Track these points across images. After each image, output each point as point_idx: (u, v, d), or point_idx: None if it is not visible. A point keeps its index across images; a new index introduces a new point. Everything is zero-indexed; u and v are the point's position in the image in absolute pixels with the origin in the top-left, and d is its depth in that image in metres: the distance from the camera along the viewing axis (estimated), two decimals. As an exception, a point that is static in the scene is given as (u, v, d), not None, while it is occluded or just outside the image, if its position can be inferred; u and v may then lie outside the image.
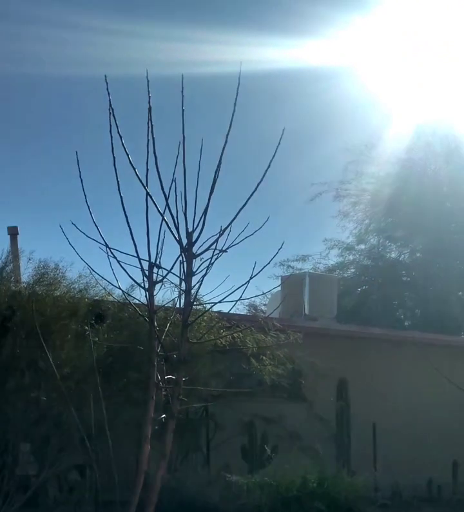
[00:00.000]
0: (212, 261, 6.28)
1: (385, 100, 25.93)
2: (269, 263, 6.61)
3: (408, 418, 15.22)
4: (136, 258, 6.14)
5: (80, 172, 6.02)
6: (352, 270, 27.20)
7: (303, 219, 29.53)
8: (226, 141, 5.98)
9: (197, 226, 6.13)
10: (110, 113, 5.84)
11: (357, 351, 15.27)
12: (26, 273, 10.76)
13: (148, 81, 5.80)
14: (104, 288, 9.68)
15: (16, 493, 9.91)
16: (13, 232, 12.51)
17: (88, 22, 18.24)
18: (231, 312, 10.58)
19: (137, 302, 7.38)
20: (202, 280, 6.37)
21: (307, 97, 23.19)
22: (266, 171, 6.08)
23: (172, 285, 6.66)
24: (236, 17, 21.45)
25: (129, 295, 7.35)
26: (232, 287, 6.31)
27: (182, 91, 5.86)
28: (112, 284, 6.86)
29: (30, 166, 24.57)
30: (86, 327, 9.78)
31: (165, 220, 6.06)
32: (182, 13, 21.29)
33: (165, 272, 6.28)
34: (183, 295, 6.34)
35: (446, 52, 24.39)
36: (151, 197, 6.00)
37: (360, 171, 26.22)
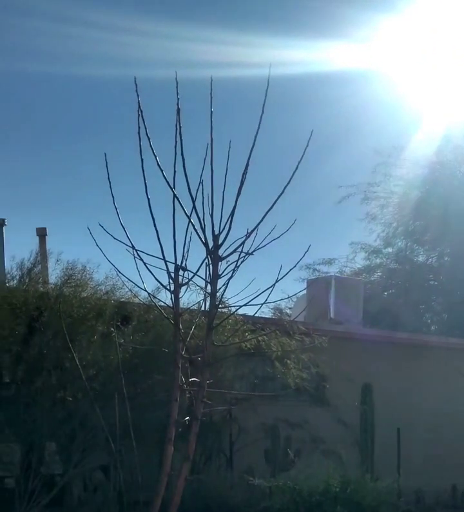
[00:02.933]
0: (238, 264, 6.26)
1: (414, 102, 25.84)
2: (294, 266, 6.56)
3: (432, 423, 15.11)
4: (163, 261, 6.14)
5: (108, 174, 6.03)
6: (379, 274, 27.04)
7: (330, 222, 29.48)
8: (254, 143, 5.95)
9: (223, 228, 6.11)
10: (139, 114, 5.84)
11: (382, 356, 15.18)
12: (54, 274, 10.86)
13: (177, 83, 5.78)
14: (130, 290, 9.77)
15: (41, 492, 9.99)
16: (41, 233, 12.64)
17: (114, 22, 18.35)
18: (256, 315, 10.56)
19: (163, 304, 7.39)
20: (228, 283, 6.35)
21: (335, 99, 23.15)
22: (294, 173, 6.04)
23: (197, 287, 6.64)
24: (264, 20, 21.50)
25: (154, 297, 7.36)
26: (257, 290, 6.29)
27: (211, 93, 5.84)
28: (138, 286, 6.88)
29: (60, 168, 24.80)
30: (112, 329, 9.82)
31: (191, 223, 6.05)
32: (209, 15, 21.35)
33: (191, 274, 6.27)
34: (209, 298, 6.33)
35: (477, 53, 24.24)
36: (178, 199, 6.00)
37: (389, 174, 26.09)
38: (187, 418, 6.50)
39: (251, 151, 5.96)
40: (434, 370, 15.68)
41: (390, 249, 27.07)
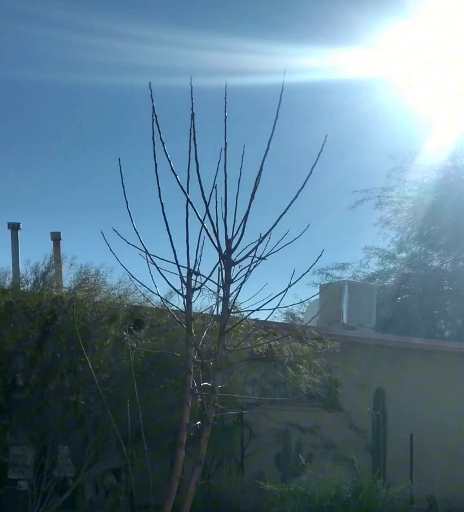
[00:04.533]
0: (250, 268, 6.26)
1: (427, 107, 25.80)
2: (307, 271, 6.55)
3: (446, 429, 15.06)
4: (176, 265, 6.15)
5: (122, 178, 6.06)
6: (393, 279, 26.97)
7: (344, 227, 29.47)
8: (268, 146, 5.95)
9: (236, 232, 6.13)
10: (153, 119, 5.87)
11: (395, 361, 15.15)
12: (68, 278, 10.93)
13: (192, 88, 5.80)
14: (142, 294, 9.75)
15: (53, 495, 10.03)
16: (56, 237, 12.71)
17: (130, 31, 18.48)
18: (268, 320, 10.59)
19: (175, 308, 7.40)
20: (240, 288, 6.35)
21: (348, 106, 23.16)
22: (308, 177, 6.03)
23: (210, 292, 6.65)
24: (277, 27, 21.53)
25: (167, 301, 7.36)
26: (270, 295, 6.28)
27: (225, 98, 5.86)
28: (151, 291, 6.88)
29: (73, 173, 24.95)
30: (125, 333, 9.86)
31: (205, 227, 6.06)
32: (222, 23, 21.43)
33: (203, 279, 6.28)
34: (221, 302, 6.34)
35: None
36: (191, 204, 6.01)
37: (403, 179, 26.05)
38: (199, 422, 6.51)
39: (265, 153, 5.97)
40: (448, 376, 15.62)
41: (404, 254, 27.02)
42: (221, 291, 6.27)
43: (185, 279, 6.24)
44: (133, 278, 6.91)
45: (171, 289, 6.48)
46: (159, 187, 5.99)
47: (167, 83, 14.47)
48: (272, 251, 6.17)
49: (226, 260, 6.16)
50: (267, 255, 6.18)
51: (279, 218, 6.07)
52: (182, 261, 6.16)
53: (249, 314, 6.83)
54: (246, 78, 18.46)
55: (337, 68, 21.05)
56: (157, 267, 6.17)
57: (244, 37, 19.80)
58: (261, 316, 7.75)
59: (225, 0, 22.27)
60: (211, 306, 7.52)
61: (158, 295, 6.74)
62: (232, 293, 6.31)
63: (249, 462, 12.64)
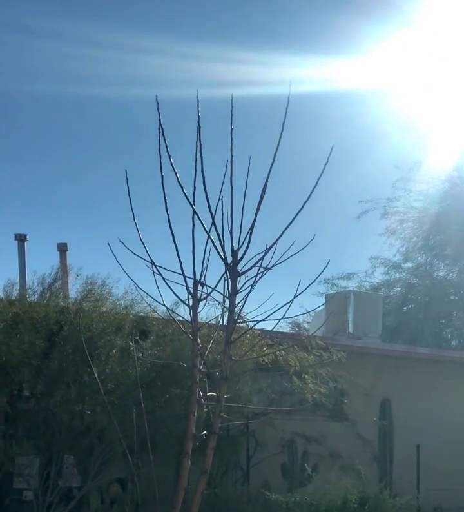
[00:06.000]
0: (256, 279, 6.28)
1: (431, 117, 25.80)
2: (313, 282, 6.59)
3: (452, 439, 15.02)
4: (182, 276, 6.18)
5: (128, 190, 6.10)
6: (398, 288, 26.96)
7: (349, 237, 29.47)
8: (274, 160, 5.98)
9: (242, 243, 6.15)
10: (160, 132, 5.91)
11: (401, 371, 15.12)
12: (74, 289, 10.96)
13: (198, 101, 5.84)
14: (149, 305, 9.82)
15: (59, 505, 10.03)
16: (62, 249, 12.78)
17: (135, 43, 18.59)
18: (274, 330, 10.58)
19: (181, 318, 7.43)
20: (246, 298, 6.37)
21: (352, 116, 23.22)
22: (313, 189, 6.06)
23: (216, 302, 6.67)
24: (279, 38, 21.59)
25: (173, 311, 7.39)
26: (276, 305, 6.30)
27: (231, 111, 5.89)
28: (157, 301, 6.91)
29: (81, 185, 25.04)
30: (131, 343, 9.88)
31: (211, 238, 6.09)
32: (222, 34, 21.53)
33: (209, 290, 6.30)
34: (227, 313, 6.35)
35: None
36: (197, 216, 6.04)
37: (408, 189, 26.07)
38: (205, 432, 6.52)
39: (271, 167, 6.00)
40: (454, 385, 15.59)
41: (409, 264, 27.02)
42: (227, 302, 6.29)
43: (191, 290, 6.26)
44: (139, 289, 6.95)
45: (177, 299, 6.51)
46: (165, 199, 6.03)
47: (169, 94, 14.54)
48: (278, 261, 6.18)
49: (232, 270, 6.18)
50: (272, 266, 6.20)
51: (285, 230, 6.09)
52: (188, 272, 6.19)
53: (255, 324, 6.86)
54: (251, 89, 18.51)
55: (340, 78, 21.11)
56: (163, 278, 6.20)
57: (245, 48, 19.89)
58: (267, 326, 7.76)
59: (226, 12, 22.37)
60: (217, 316, 7.56)
61: (164, 305, 6.77)
62: (238, 303, 6.33)
63: (254, 471, 12.62)
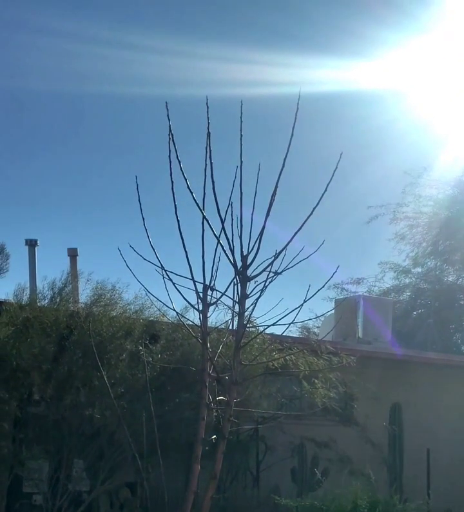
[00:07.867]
0: (266, 284, 6.30)
1: (441, 121, 25.76)
2: (323, 287, 6.60)
3: (462, 443, 14.95)
4: (191, 281, 6.20)
5: (139, 196, 6.13)
6: (408, 293, 26.92)
7: (359, 241, 29.43)
8: (283, 166, 6.00)
9: (252, 249, 6.17)
10: (170, 138, 5.92)
11: (411, 376, 15.08)
12: (84, 294, 11.00)
13: (208, 107, 5.86)
14: (158, 309, 9.84)
15: (68, 509, 10.05)
16: (72, 253, 12.84)
17: (147, 44, 18.62)
18: (283, 334, 10.59)
19: (191, 323, 7.45)
20: (256, 303, 6.39)
21: (362, 118, 23.17)
22: (322, 194, 6.08)
23: (225, 307, 6.69)
24: (294, 39, 21.59)
25: (183, 316, 7.41)
26: (285, 310, 6.31)
27: (241, 117, 5.91)
28: (166, 306, 6.95)
29: (91, 190, 25.11)
30: (140, 347, 9.90)
31: (220, 244, 6.11)
32: (237, 34, 21.54)
33: (219, 294, 6.32)
34: (237, 317, 6.37)
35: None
36: (207, 221, 6.06)
37: (418, 194, 26.03)
38: (214, 436, 6.53)
39: (280, 173, 6.01)
40: (464, 390, 15.56)
41: (419, 269, 26.96)
42: (236, 306, 6.31)
43: (201, 294, 6.28)
44: (149, 294, 6.98)
45: (187, 304, 6.53)
46: (175, 205, 6.05)
47: (180, 93, 14.56)
48: (288, 266, 6.20)
49: (242, 275, 6.20)
50: (282, 271, 6.22)
51: (294, 235, 6.11)
52: (198, 277, 6.21)
53: (265, 329, 6.86)
54: (262, 90, 18.53)
55: (352, 80, 21.10)
56: (173, 283, 6.22)
57: (258, 49, 19.90)
58: (277, 331, 7.78)
59: (241, 12, 22.36)
60: (227, 321, 7.57)
61: (174, 309, 6.80)
62: (248, 308, 6.35)
63: (264, 476, 12.61)
